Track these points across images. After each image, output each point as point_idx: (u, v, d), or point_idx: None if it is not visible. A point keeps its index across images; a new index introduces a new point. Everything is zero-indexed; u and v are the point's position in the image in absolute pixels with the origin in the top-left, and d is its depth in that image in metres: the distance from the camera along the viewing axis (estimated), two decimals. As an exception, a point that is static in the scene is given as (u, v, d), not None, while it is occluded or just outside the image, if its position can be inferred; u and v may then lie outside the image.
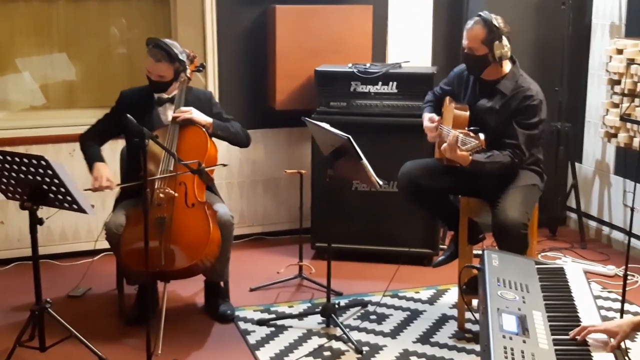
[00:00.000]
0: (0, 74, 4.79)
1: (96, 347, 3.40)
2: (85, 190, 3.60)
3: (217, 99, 4.71)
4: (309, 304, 4.08)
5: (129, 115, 3.17)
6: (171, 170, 3.67)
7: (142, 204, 3.18)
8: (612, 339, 2.28)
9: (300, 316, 3.90)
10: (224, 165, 3.86)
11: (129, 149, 3.96)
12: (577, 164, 5.18)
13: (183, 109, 3.80)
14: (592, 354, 2.22)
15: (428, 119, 3.81)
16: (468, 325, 3.79)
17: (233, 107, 4.75)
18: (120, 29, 5.00)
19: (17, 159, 3.19)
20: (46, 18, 4.84)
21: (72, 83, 4.97)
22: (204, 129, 3.81)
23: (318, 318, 3.83)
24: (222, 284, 3.98)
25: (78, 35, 4.91)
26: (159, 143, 3.34)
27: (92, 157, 3.81)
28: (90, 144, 3.86)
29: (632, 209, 3.66)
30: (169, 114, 3.86)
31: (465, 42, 3.64)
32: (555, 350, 2.21)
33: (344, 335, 3.66)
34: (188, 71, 3.89)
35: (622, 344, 2.30)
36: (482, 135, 3.39)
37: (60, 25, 4.86)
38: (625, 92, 4.49)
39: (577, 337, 2.29)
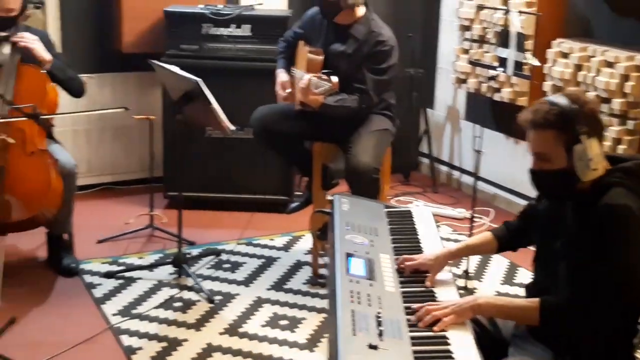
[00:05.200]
0: None
1: None
2: None
3: (59, 40, 4.42)
4: (161, 255, 3.95)
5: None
6: (5, 115, 3.39)
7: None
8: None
9: (151, 267, 3.77)
10: (126, 109, 3.59)
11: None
12: (429, 110, 5.28)
13: (27, 35, 3.50)
14: (435, 293, 2.25)
15: (281, 84, 3.71)
16: (322, 271, 3.79)
17: (76, 49, 4.49)
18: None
19: None
20: None
21: None
22: (43, 70, 3.55)
23: (169, 269, 3.71)
24: (65, 236, 3.78)
25: None
26: (-14, 85, 3.08)
27: None
28: None
29: (479, 152, 3.75)
30: (5, 52, 3.56)
31: None
32: (402, 292, 2.21)
33: (196, 285, 3.57)
34: (30, 11, 3.59)
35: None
36: (334, 78, 3.35)
37: None
38: (475, 38, 4.57)
39: (399, 268, 2.32)
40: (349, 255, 2.31)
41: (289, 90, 3.67)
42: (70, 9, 4.57)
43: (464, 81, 4.76)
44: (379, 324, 1.98)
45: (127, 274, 3.69)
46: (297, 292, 3.61)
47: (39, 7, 3.81)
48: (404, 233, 2.60)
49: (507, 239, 2.44)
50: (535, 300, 2.10)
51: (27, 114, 3.17)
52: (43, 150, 3.51)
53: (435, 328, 2.03)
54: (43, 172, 3.45)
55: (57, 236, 3.76)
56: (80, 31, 4.64)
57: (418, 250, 2.48)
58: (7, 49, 3.56)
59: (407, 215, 2.73)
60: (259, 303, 3.50)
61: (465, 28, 4.67)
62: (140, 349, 3.09)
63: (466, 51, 4.68)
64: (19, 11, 3.55)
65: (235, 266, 3.86)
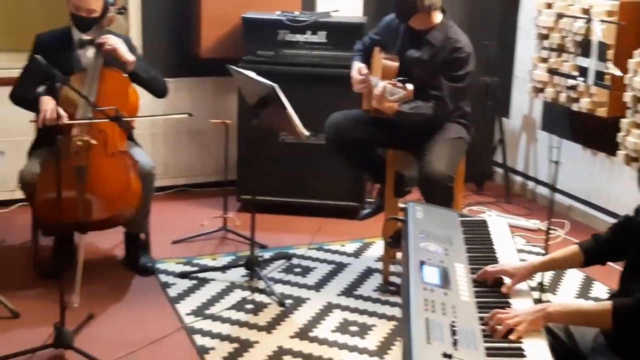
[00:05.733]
0: None
1: (8, 300, 3.27)
2: (32, 121, 3.44)
3: (140, 45, 4.54)
4: (233, 257, 4.01)
5: (38, 56, 2.98)
6: (90, 117, 3.50)
7: (55, 151, 3.02)
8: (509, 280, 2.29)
9: (224, 269, 3.83)
10: (190, 114, 3.63)
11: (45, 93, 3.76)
12: (504, 119, 5.21)
13: (111, 37, 3.61)
14: (511, 305, 2.21)
15: (357, 69, 3.73)
16: (393, 279, 3.78)
17: (156, 54, 4.59)
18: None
19: None
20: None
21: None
22: (126, 73, 3.65)
23: (241, 271, 3.76)
24: (142, 236, 3.87)
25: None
26: (73, 87, 3.17)
27: (34, 97, 3.37)
28: (23, 95, 3.60)
29: (557, 163, 3.68)
30: (89, 56, 3.68)
31: None
32: (477, 302, 2.19)
33: (267, 288, 3.61)
34: (114, 8, 3.69)
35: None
36: (410, 86, 3.34)
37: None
38: (554, 46, 4.49)
39: (479, 279, 2.29)
40: (422, 263, 2.31)
41: (365, 72, 3.65)
42: (151, 15, 4.69)
43: (541, 90, 4.67)
44: (454, 333, 1.96)
45: (200, 275, 3.75)
46: (367, 299, 3.61)
47: (122, 12, 3.90)
48: (479, 243, 2.57)
49: (595, 253, 2.36)
50: (607, 303, 2.05)
51: (109, 116, 3.25)
52: (123, 151, 3.60)
53: (511, 337, 2.00)
54: (123, 173, 3.54)
55: (135, 236, 3.85)
56: (160, 36, 4.75)
57: (493, 260, 2.44)
58: (91, 53, 3.68)
59: (483, 225, 2.70)
60: (329, 308, 3.51)
61: (544, 36, 4.59)
62: (212, 349, 3.14)
63: (544, 60, 4.60)
64: (100, 13, 3.64)
65: (306, 271, 3.88)
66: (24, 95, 3.58)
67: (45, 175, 3.49)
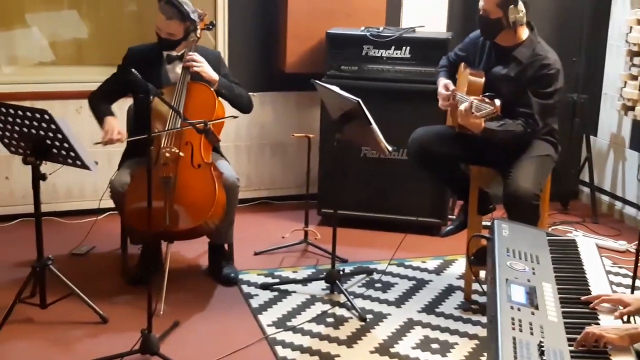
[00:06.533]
0: (9, 29, 4.72)
1: (97, 306, 3.38)
2: (96, 143, 3.58)
3: (225, 59, 4.63)
4: (314, 270, 4.03)
5: (133, 70, 3.09)
6: (177, 129, 3.60)
7: (147, 162, 3.11)
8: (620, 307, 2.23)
9: (304, 281, 3.85)
10: (234, 117, 3.73)
11: (135, 106, 3.89)
12: (591, 137, 5.08)
13: (196, 57, 3.71)
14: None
15: (443, 85, 3.72)
16: (475, 297, 3.73)
17: (242, 68, 4.67)
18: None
19: (20, 112, 3.13)
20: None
21: (81, 40, 4.90)
22: (212, 89, 3.74)
23: (322, 284, 3.78)
24: (226, 246, 3.94)
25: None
26: (164, 100, 3.27)
27: (102, 113, 3.73)
28: (99, 102, 3.80)
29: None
30: (177, 71, 3.79)
31: (481, 3, 3.54)
32: (565, 322, 2.15)
33: (348, 302, 3.61)
34: (198, 31, 3.80)
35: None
36: (497, 102, 3.30)
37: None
38: (645, 64, 4.38)
39: (588, 302, 2.24)
40: (509, 281, 2.28)
41: (452, 88, 3.64)
42: (237, 30, 4.78)
43: (631, 108, 4.55)
44: (542, 353, 1.94)
45: (281, 287, 3.79)
46: (448, 317, 3.58)
47: (209, 28, 4.00)
48: (567, 263, 2.52)
49: None
50: None
51: (198, 128, 3.33)
52: (209, 163, 3.68)
53: (599, 341, 1.96)
54: (208, 184, 3.61)
55: (219, 246, 3.92)
56: (246, 51, 4.84)
57: (583, 280, 2.40)
58: (179, 68, 3.78)
59: (572, 245, 2.65)
60: (410, 325, 3.49)
61: (635, 53, 4.48)
62: (293, 360, 3.16)
63: (635, 77, 4.48)
64: (181, 36, 3.75)
65: (386, 286, 3.87)
66: (96, 106, 3.76)
67: (134, 185, 3.60)
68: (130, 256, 3.91)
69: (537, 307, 2.19)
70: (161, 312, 3.43)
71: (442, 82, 3.73)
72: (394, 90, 4.42)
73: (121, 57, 3.92)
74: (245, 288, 3.77)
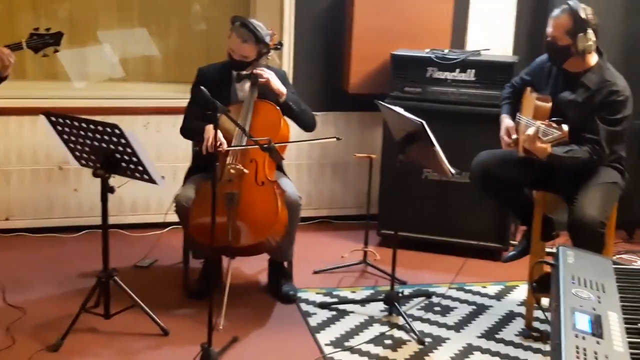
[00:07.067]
0: (82, 45, 4.87)
1: (159, 318, 3.44)
2: (197, 150, 3.65)
3: (290, 79, 4.69)
4: (372, 291, 4.03)
5: (203, 88, 3.15)
6: (243, 146, 3.66)
7: (212, 178, 3.17)
8: None
9: (363, 302, 3.85)
10: (338, 138, 3.75)
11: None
12: (660, 165, 4.97)
13: (265, 70, 3.77)
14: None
15: (505, 129, 3.67)
16: (536, 324, 3.67)
17: (306, 88, 4.72)
18: (201, 6, 5.03)
19: (92, 126, 3.23)
20: (128, -7, 4.92)
21: (150, 58, 5.03)
22: (277, 107, 3.79)
23: (381, 305, 3.77)
24: (286, 264, 3.97)
25: (159, 11, 4.96)
26: (231, 118, 3.32)
27: (199, 126, 3.72)
28: (191, 128, 3.83)
29: None
30: (245, 90, 3.85)
31: (549, 29, 3.51)
32: (631, 353, 2.10)
33: (407, 325, 3.60)
34: (270, 53, 3.86)
35: None
36: (565, 127, 3.24)
37: (143, 0, 4.92)
38: None
39: None
40: (574, 309, 2.24)
41: (514, 137, 3.62)
42: (302, 50, 4.84)
43: (702, 136, 4.44)
44: (608, 384, 1.89)
45: (340, 306, 3.79)
46: (508, 343, 3.52)
47: (278, 48, 4.05)
48: (634, 292, 2.46)
49: None
50: None
51: (262, 146, 3.38)
52: (272, 181, 3.72)
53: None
54: (271, 201, 3.65)
55: (279, 264, 3.95)
56: (310, 71, 4.89)
57: (651, 312, 2.33)
58: (247, 86, 3.85)
59: (638, 274, 2.58)
60: (469, 350, 3.45)
61: None
62: (351, 381, 3.16)
63: None
64: (254, 58, 3.80)
65: (446, 310, 3.84)
66: (191, 127, 3.83)
67: (199, 200, 3.66)
68: (192, 270, 3.97)
69: (602, 337, 2.14)
70: (220, 327, 3.47)
71: (505, 124, 3.69)
72: (458, 113, 4.40)
73: (188, 74, 4.01)
74: (303, 306, 3.79)
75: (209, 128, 3.64)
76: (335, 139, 3.74)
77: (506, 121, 3.71)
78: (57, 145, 3.43)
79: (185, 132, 3.90)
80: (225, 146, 3.59)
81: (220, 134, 3.49)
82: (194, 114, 3.83)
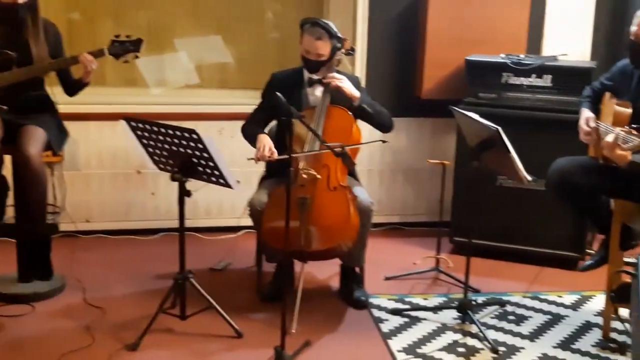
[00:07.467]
0: (159, 53, 4.99)
1: (233, 321, 3.48)
2: (249, 159, 3.70)
3: (363, 85, 4.70)
4: (445, 298, 3.99)
5: (278, 93, 3.19)
6: (316, 151, 3.68)
7: (286, 183, 3.20)
8: None
9: (435, 309, 3.82)
10: (384, 141, 3.77)
11: (277, 128, 4.01)
12: None
13: (336, 75, 3.79)
14: None
15: (585, 118, 3.61)
16: (614, 335, 3.58)
17: (378, 94, 4.69)
18: (274, 13, 5.09)
19: (170, 131, 3.30)
20: (204, 1, 5.00)
21: (225, 65, 5.11)
22: (350, 113, 3.80)
23: (453, 313, 3.74)
24: (357, 269, 3.97)
25: (234, 19, 5.04)
26: (304, 123, 3.35)
27: (255, 133, 3.83)
28: (251, 128, 3.90)
29: None
30: (317, 94, 3.88)
31: (633, 28, 3.41)
32: None
33: (480, 333, 3.55)
34: (343, 50, 3.88)
35: None
36: (647, 134, 3.16)
37: (218, 8, 5.01)
38: None
39: None
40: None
41: (593, 125, 3.54)
42: (375, 56, 4.85)
43: None
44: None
45: (412, 313, 3.77)
46: (585, 354, 3.44)
47: (350, 53, 4.05)
48: None
49: None
50: None
51: (335, 152, 3.39)
52: (344, 186, 3.73)
53: None
54: (343, 207, 3.66)
55: (350, 269, 3.95)
56: (382, 77, 4.89)
57: None
58: (319, 91, 3.87)
59: None
60: (544, 360, 3.40)
61: None
62: (423, 388, 3.14)
63: None
64: (328, 57, 3.83)
65: (520, 319, 3.78)
66: (247, 131, 3.90)
67: (272, 204, 3.70)
68: (265, 274, 4.01)
69: (688, 350, 2.08)
70: (293, 331, 3.50)
71: (585, 114, 3.63)
72: (534, 119, 4.33)
73: (262, 81, 4.06)
74: (375, 312, 3.78)
75: (262, 137, 3.73)
76: (381, 142, 3.75)
77: (586, 112, 3.63)
78: (135, 150, 3.52)
79: (244, 131, 3.95)
80: (275, 155, 3.66)
81: (271, 144, 3.63)
82: (255, 117, 3.93)
